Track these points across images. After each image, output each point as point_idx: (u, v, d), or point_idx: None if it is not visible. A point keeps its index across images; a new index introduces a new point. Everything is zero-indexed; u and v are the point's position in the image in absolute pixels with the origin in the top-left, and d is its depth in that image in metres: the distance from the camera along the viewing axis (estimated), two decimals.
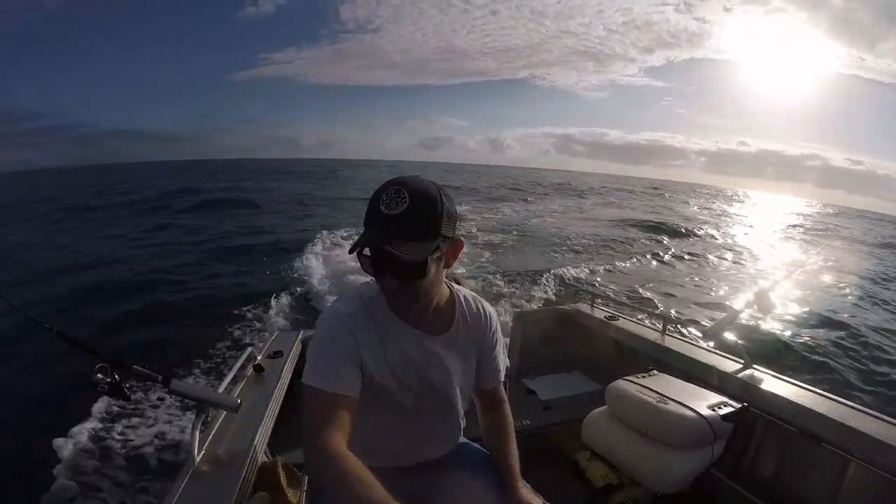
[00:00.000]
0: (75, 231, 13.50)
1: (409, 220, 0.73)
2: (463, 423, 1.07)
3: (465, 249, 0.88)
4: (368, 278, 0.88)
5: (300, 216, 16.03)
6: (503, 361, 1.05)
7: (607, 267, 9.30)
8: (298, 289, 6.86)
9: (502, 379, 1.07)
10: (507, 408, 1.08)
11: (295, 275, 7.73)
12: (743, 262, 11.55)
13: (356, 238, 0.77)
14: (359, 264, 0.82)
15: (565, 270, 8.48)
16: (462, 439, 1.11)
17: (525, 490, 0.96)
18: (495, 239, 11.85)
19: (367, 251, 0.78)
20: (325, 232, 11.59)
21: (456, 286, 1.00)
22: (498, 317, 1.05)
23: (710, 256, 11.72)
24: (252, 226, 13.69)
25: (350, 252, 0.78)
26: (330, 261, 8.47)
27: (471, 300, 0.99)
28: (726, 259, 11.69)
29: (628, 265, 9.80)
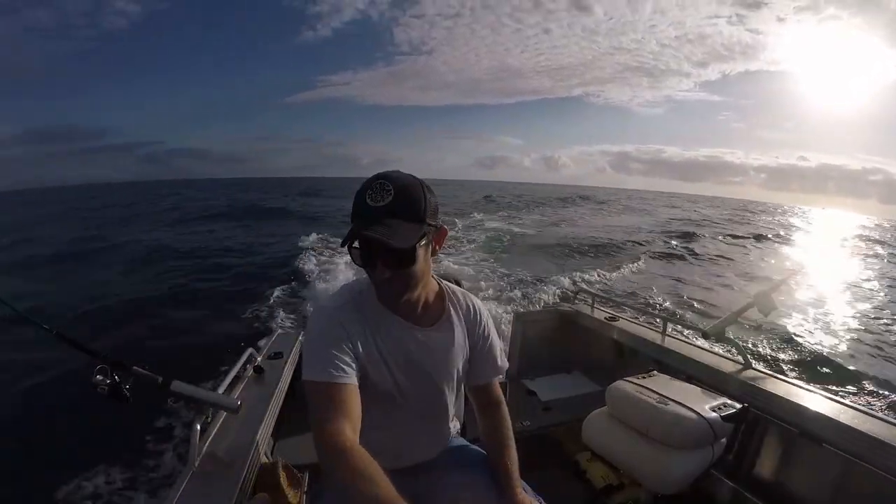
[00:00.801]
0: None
1: (395, 210, 0.77)
2: (458, 422, 1.07)
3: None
4: (360, 276, 0.90)
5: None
6: (497, 358, 1.05)
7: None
8: (300, 290, 6.87)
9: (497, 377, 1.06)
10: (505, 409, 1.07)
11: (294, 279, 7.73)
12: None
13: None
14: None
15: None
16: (461, 440, 1.11)
17: (523, 492, 0.96)
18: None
19: (356, 244, 0.80)
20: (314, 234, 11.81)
21: (445, 281, 1.01)
22: (489, 314, 1.05)
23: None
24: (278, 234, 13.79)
25: (342, 245, 0.79)
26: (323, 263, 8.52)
27: (459, 295, 1.00)
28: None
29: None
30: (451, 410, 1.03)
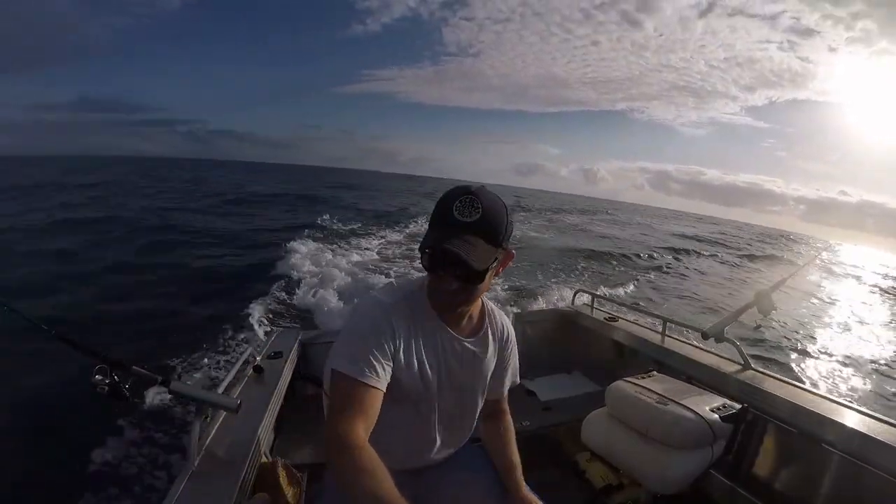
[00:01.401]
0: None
1: (480, 230, 0.78)
2: (472, 429, 1.09)
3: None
4: (391, 279, 0.91)
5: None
6: (512, 376, 1.09)
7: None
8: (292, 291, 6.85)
9: (506, 391, 1.10)
10: (509, 417, 1.11)
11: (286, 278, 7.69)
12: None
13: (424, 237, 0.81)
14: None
15: None
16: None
17: (525, 491, 0.97)
18: None
19: (429, 250, 0.81)
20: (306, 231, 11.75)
21: (485, 298, 1.02)
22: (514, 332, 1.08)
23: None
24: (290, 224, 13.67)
25: (421, 249, 0.81)
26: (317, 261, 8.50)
27: (496, 313, 1.03)
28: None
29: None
30: (473, 421, 1.05)
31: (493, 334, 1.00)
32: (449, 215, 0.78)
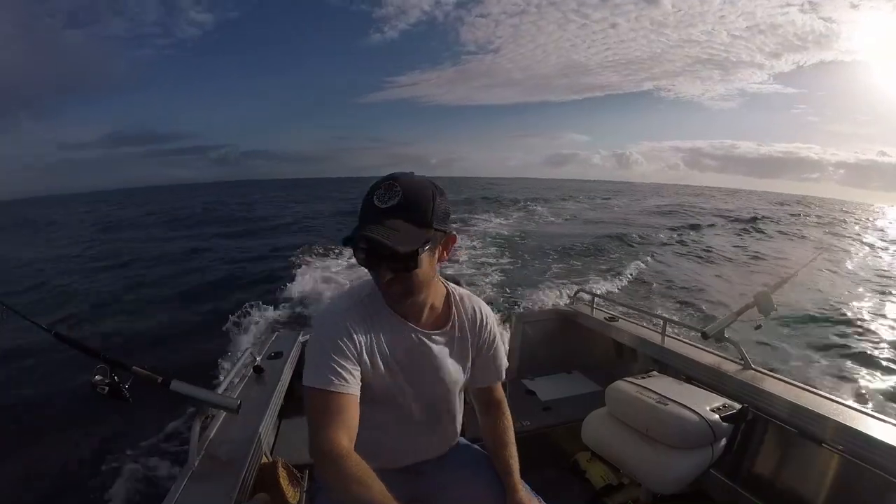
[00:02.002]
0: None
1: (400, 212, 0.76)
2: (460, 423, 1.07)
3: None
4: (365, 277, 0.89)
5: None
6: (500, 361, 1.05)
7: None
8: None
9: (500, 379, 1.06)
10: (506, 408, 1.07)
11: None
12: None
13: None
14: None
15: None
16: (462, 440, 1.11)
17: (525, 491, 0.97)
18: None
19: (362, 245, 0.79)
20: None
21: (452, 285, 1.00)
22: (495, 317, 1.05)
23: None
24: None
25: (344, 244, 0.78)
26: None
27: (466, 299, 0.99)
28: None
29: None
30: (456, 413, 1.04)
31: (464, 320, 0.97)
32: (370, 205, 0.77)
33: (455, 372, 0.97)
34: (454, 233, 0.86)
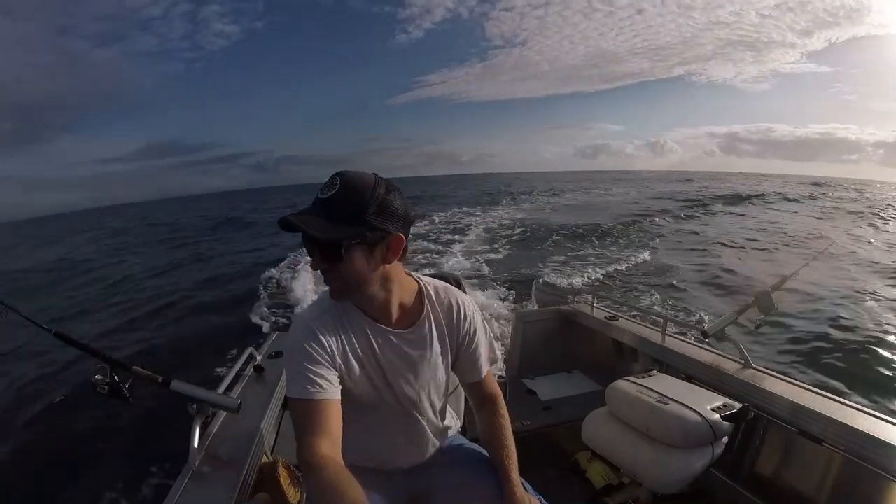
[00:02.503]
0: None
1: (333, 205, 0.77)
2: (458, 421, 1.07)
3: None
4: None
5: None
6: (485, 353, 1.03)
7: None
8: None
9: (487, 370, 1.05)
10: (502, 403, 1.05)
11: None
12: None
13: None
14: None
15: None
16: (461, 439, 1.11)
17: (523, 491, 0.96)
18: None
19: (284, 229, 0.79)
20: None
21: (425, 279, 0.99)
22: (476, 309, 1.03)
23: None
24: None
25: (279, 228, 0.79)
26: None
27: (441, 292, 0.98)
28: None
29: None
30: (442, 410, 1.04)
31: (440, 314, 0.96)
32: (315, 196, 0.80)
33: (431, 368, 0.96)
34: (399, 234, 0.82)
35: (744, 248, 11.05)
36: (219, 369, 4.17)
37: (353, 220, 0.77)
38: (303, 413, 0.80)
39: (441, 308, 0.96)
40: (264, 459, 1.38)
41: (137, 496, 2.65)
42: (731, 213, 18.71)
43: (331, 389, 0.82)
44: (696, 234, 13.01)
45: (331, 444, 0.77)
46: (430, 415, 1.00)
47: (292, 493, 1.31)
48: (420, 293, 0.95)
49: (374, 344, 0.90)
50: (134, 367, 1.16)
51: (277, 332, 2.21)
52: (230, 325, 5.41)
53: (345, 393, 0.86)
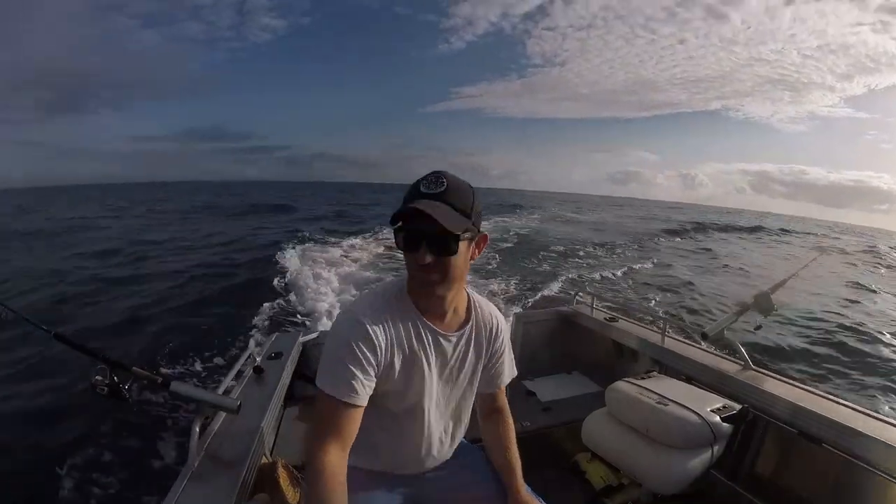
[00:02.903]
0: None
1: (446, 198, 0.79)
2: (465, 428, 1.07)
3: None
4: (386, 278, 0.89)
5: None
6: (508, 369, 1.06)
7: None
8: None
9: (503, 385, 1.08)
10: (509, 413, 1.10)
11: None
12: None
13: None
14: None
15: None
16: (462, 441, 1.12)
17: (527, 493, 0.97)
18: None
19: (410, 219, 0.79)
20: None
21: (473, 292, 1.01)
22: (508, 327, 1.06)
23: None
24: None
25: (391, 222, 0.81)
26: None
27: (484, 306, 1.01)
28: None
29: None
30: (460, 416, 1.04)
31: (481, 327, 0.98)
32: (416, 191, 0.80)
33: (471, 375, 0.99)
34: (486, 233, 0.89)
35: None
36: (219, 370, 4.18)
37: (465, 213, 0.81)
38: (327, 410, 0.80)
39: (483, 320, 0.99)
40: (264, 460, 1.38)
41: (137, 497, 2.65)
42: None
43: (363, 395, 0.82)
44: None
45: (341, 449, 0.79)
46: (448, 419, 1.01)
47: (291, 493, 1.31)
48: (468, 302, 0.98)
49: (425, 341, 0.90)
50: (134, 367, 1.15)
51: (277, 333, 2.21)
52: (230, 325, 5.41)
53: (381, 391, 0.85)
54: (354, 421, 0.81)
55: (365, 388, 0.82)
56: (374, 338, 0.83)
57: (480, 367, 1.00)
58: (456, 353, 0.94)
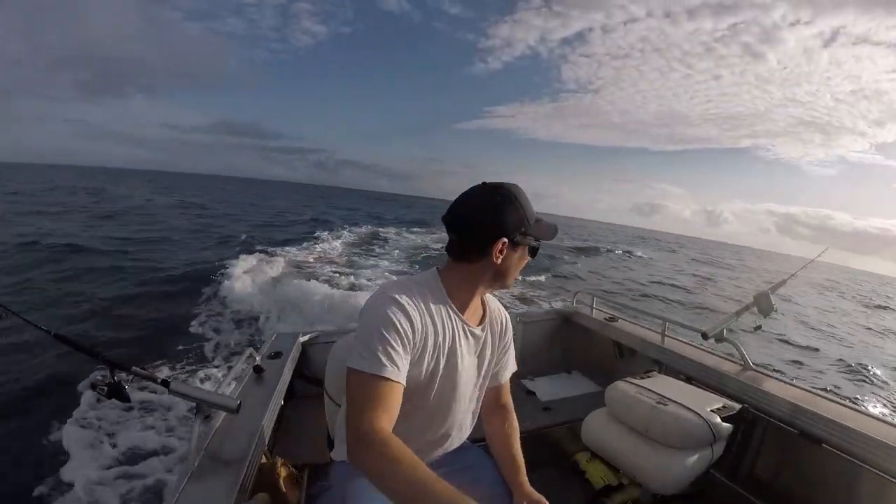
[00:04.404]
0: None
1: None
2: (471, 426, 1.08)
3: None
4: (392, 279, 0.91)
5: None
6: (511, 363, 1.12)
7: None
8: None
9: (506, 379, 1.13)
10: (513, 412, 1.13)
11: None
12: None
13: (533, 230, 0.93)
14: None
15: None
16: (465, 440, 1.12)
17: (531, 488, 0.97)
18: None
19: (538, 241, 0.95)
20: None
21: None
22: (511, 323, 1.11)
23: None
24: None
25: (550, 238, 0.97)
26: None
27: (493, 302, 1.06)
28: None
29: None
30: (475, 409, 1.07)
31: (495, 321, 1.04)
32: (531, 211, 0.93)
33: (481, 369, 1.02)
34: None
35: None
36: (218, 370, 4.18)
37: None
38: (369, 388, 0.76)
39: (496, 316, 1.05)
40: (264, 460, 1.38)
41: (137, 496, 2.65)
42: None
43: (402, 374, 0.80)
44: None
45: (389, 422, 0.75)
46: (459, 415, 1.01)
47: (291, 493, 1.31)
48: (483, 299, 1.02)
49: (455, 334, 0.92)
50: (134, 367, 1.15)
51: (277, 333, 2.21)
52: (230, 325, 5.42)
53: (407, 379, 0.83)
54: (395, 398, 0.78)
55: (403, 365, 0.80)
56: (412, 315, 0.83)
57: (491, 361, 1.04)
58: (476, 345, 0.98)
